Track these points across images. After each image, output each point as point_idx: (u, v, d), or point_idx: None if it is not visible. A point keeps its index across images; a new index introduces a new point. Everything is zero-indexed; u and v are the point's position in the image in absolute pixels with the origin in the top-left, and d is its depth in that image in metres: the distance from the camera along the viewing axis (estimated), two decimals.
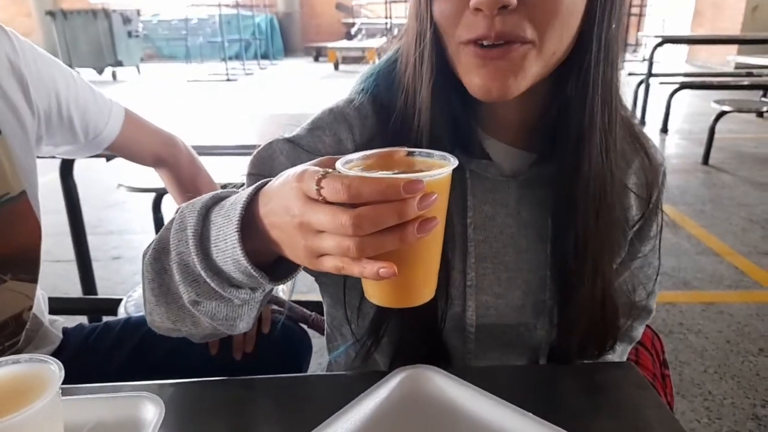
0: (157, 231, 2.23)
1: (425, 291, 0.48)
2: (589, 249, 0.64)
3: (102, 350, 1.00)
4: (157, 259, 0.57)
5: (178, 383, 0.65)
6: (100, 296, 2.27)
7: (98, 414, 0.57)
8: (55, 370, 0.47)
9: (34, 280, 0.90)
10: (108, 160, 2.03)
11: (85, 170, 2.25)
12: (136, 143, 1.06)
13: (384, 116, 0.65)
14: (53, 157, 1.07)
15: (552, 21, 0.54)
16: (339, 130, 0.67)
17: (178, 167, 1.12)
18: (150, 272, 0.58)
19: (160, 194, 2.46)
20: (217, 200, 0.55)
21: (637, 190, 0.71)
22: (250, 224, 0.49)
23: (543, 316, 0.70)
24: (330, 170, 0.44)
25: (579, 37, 0.57)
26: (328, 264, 0.44)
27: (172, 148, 1.11)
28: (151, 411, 0.57)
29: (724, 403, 1.82)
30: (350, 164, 0.47)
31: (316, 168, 0.44)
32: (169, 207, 2.56)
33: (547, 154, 0.65)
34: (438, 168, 0.45)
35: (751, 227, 3.23)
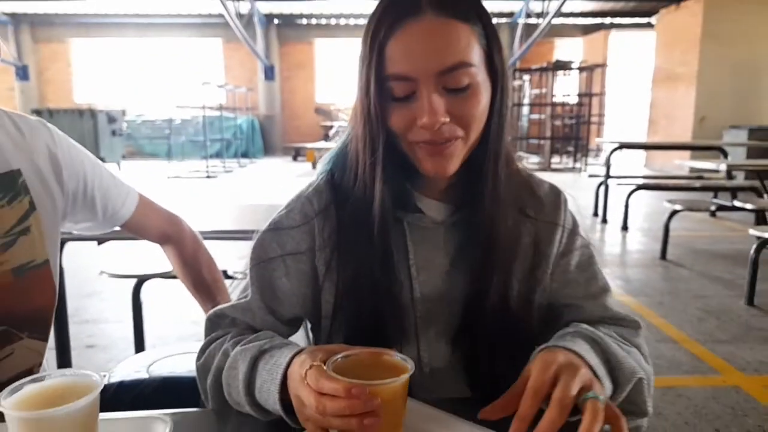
0: (135, 317, 2.32)
1: None
2: (499, 268, 0.83)
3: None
4: (215, 382, 0.80)
5: (185, 411, 0.76)
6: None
7: (117, 430, 0.68)
8: (97, 379, 0.58)
9: (45, 339, 1.00)
10: (99, 243, 2.15)
11: (71, 256, 2.34)
12: (146, 222, 1.19)
13: (336, 190, 0.86)
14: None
15: (472, 124, 0.77)
16: (304, 208, 0.87)
17: (182, 243, 1.24)
18: (209, 388, 0.81)
19: (141, 280, 2.55)
20: (263, 351, 0.76)
21: (542, 216, 0.89)
22: (285, 381, 0.69)
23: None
24: (317, 364, 0.64)
25: (486, 125, 0.80)
26: (308, 427, 0.65)
27: (177, 226, 1.24)
28: (161, 428, 0.68)
29: None
30: (336, 361, 0.66)
31: (309, 360, 0.65)
32: (149, 293, 2.64)
33: (462, 204, 0.86)
34: (401, 372, 0.62)
35: (707, 317, 3.41)
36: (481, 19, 0.76)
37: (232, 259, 2.23)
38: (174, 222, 1.24)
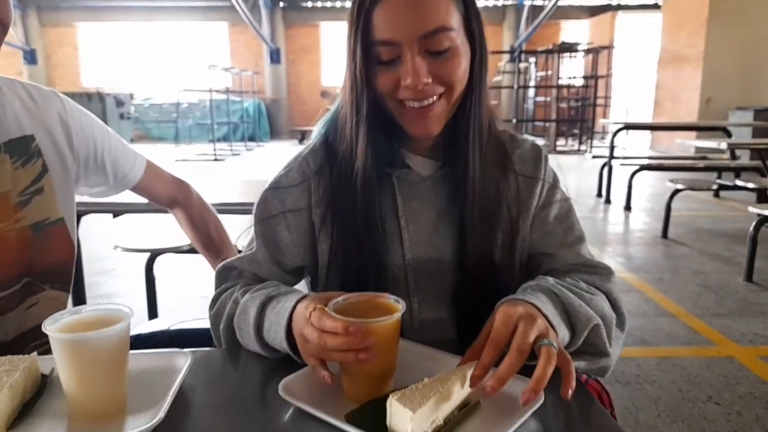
0: (149, 291, 2.41)
1: (384, 389, 0.71)
2: (484, 220, 0.91)
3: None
4: (227, 328, 0.89)
5: (202, 350, 0.85)
6: None
7: (144, 364, 0.77)
8: (128, 310, 0.67)
9: (67, 290, 1.09)
10: (114, 216, 2.24)
11: (85, 231, 2.43)
12: (155, 186, 1.28)
13: (330, 151, 0.95)
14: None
15: (454, 83, 0.85)
16: (301, 167, 0.96)
17: (190, 206, 1.33)
18: (222, 334, 0.90)
19: (154, 254, 2.64)
20: (271, 298, 0.84)
21: (524, 171, 0.97)
22: (290, 323, 0.78)
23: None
24: (320, 306, 0.72)
25: (466, 86, 0.88)
26: (311, 362, 0.73)
27: (184, 191, 1.33)
28: (182, 361, 0.76)
29: None
30: (336, 303, 0.73)
31: (313, 304, 0.73)
32: (162, 268, 2.74)
33: (447, 160, 0.94)
34: (394, 311, 0.71)
35: (706, 293, 3.48)
36: None
37: (238, 232, 2.30)
38: (182, 187, 1.33)
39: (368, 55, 0.83)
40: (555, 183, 0.99)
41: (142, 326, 1.79)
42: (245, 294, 0.88)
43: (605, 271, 0.93)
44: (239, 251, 1.06)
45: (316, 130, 1.01)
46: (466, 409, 0.67)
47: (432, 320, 0.96)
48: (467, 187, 0.91)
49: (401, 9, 0.80)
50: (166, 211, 1.38)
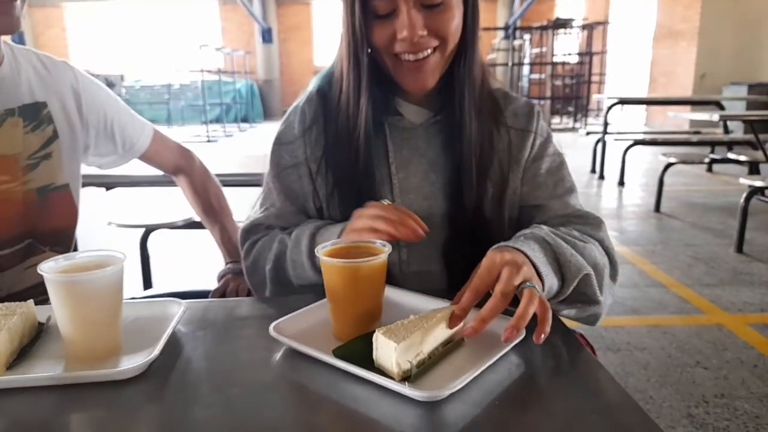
0: (144, 267, 2.42)
1: (371, 328, 0.70)
2: (474, 172, 0.94)
3: None
4: (274, 268, 0.95)
5: (195, 300, 0.87)
6: None
7: (139, 311, 0.79)
8: (121, 256, 0.68)
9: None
10: (108, 189, 2.25)
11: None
12: (161, 154, 1.31)
13: (325, 101, 0.99)
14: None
15: (448, 36, 0.88)
16: (301, 119, 1.00)
17: (192, 174, 1.35)
18: (268, 274, 0.96)
19: (148, 230, 2.65)
20: (319, 228, 0.92)
21: (516, 125, 0.99)
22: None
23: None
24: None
25: (459, 41, 0.90)
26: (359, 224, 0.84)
27: (188, 159, 1.36)
28: (176, 309, 0.78)
29: (663, 406, 2.03)
30: (324, 248, 0.76)
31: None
32: (156, 245, 2.75)
33: (440, 110, 0.97)
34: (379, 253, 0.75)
35: (696, 264, 3.53)
36: None
37: (244, 208, 2.30)
38: (186, 155, 1.35)
39: (365, 9, 0.86)
40: (548, 138, 1.01)
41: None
42: (290, 234, 0.94)
43: (596, 221, 0.95)
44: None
45: (312, 84, 1.03)
46: (450, 345, 0.70)
47: (421, 272, 0.98)
48: (460, 136, 0.93)
49: None
50: (159, 185, 1.41)
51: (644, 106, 11.65)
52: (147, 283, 2.73)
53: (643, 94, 12.46)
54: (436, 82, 0.92)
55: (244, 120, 13.88)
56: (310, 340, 0.70)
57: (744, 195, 3.69)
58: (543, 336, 0.66)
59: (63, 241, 1.10)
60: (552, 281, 0.78)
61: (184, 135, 11.24)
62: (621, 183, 5.94)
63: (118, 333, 0.69)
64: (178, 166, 1.34)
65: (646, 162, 7.34)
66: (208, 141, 10.75)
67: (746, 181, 3.71)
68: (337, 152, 0.96)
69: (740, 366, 2.30)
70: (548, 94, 12.79)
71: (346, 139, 0.93)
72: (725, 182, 6.14)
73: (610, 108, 6.34)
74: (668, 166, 4.80)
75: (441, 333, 0.68)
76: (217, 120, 12.72)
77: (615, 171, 6.19)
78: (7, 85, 1.00)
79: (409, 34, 0.84)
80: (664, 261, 3.58)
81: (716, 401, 2.05)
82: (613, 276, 0.91)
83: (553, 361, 0.71)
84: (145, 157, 1.28)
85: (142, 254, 2.73)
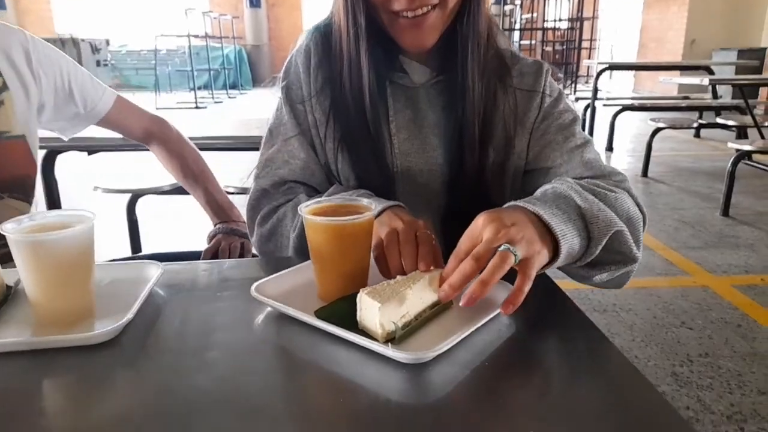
0: (131, 232, 2.37)
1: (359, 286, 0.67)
2: (476, 135, 0.90)
3: None
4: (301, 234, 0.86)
5: (177, 264, 0.85)
6: None
7: (114, 274, 0.76)
8: (90, 215, 0.66)
9: (28, 201, 1.10)
10: (90, 153, 2.19)
11: (63, 174, 2.38)
12: (128, 119, 1.27)
13: (328, 46, 0.93)
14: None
15: None
16: (303, 56, 0.95)
17: (167, 140, 1.31)
18: (294, 240, 0.89)
19: (135, 195, 2.61)
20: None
21: (522, 85, 0.94)
22: None
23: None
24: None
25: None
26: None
27: (161, 125, 1.32)
28: (153, 271, 0.76)
29: (648, 365, 2.06)
30: (309, 207, 0.73)
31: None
32: (144, 209, 2.71)
33: (443, 69, 0.92)
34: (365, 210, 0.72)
35: (683, 227, 3.54)
36: None
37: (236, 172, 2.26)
38: (158, 122, 1.32)
39: None
40: (558, 96, 0.95)
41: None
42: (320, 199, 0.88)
43: (619, 176, 0.86)
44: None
45: (302, 39, 0.98)
46: (438, 307, 0.68)
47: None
48: (463, 98, 0.89)
49: None
50: (142, 149, 1.37)
51: (633, 72, 11.57)
52: (136, 250, 2.69)
53: (633, 60, 12.36)
54: (437, 40, 0.86)
55: (233, 86, 13.63)
56: (292, 302, 0.68)
57: (731, 159, 3.69)
58: (511, 307, 0.60)
59: (22, 188, 1.09)
60: (572, 242, 0.68)
61: (172, 101, 11.04)
62: (609, 148, 5.92)
63: (89, 296, 0.67)
64: (149, 132, 1.30)
65: (634, 127, 7.32)
66: (197, 107, 10.56)
67: (734, 145, 3.72)
68: (342, 109, 0.92)
69: (724, 326, 2.33)
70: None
71: (351, 98, 0.89)
72: (713, 147, 6.15)
73: (599, 74, 6.28)
74: (656, 131, 4.78)
75: (429, 295, 0.66)
76: (206, 86, 12.48)
77: (603, 137, 6.17)
78: None
79: None
80: (651, 224, 3.59)
81: (700, 360, 2.08)
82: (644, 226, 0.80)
83: (544, 321, 0.69)
84: (110, 121, 1.24)
85: (129, 220, 2.69)
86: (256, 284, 0.71)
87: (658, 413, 0.51)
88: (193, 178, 1.31)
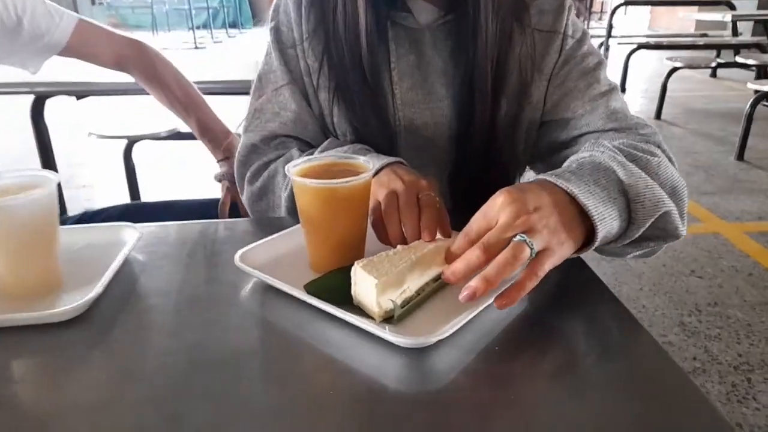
0: (129, 178, 2.29)
1: (353, 259, 0.59)
2: (487, 83, 0.79)
3: None
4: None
5: (156, 225, 0.78)
6: None
7: (87, 238, 0.70)
8: (52, 177, 0.59)
9: None
10: (78, 98, 2.10)
11: (55, 119, 2.30)
12: (95, 45, 1.16)
13: None
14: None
15: None
16: (289, 2, 0.86)
17: (145, 66, 1.21)
18: (285, 200, 0.82)
19: (132, 141, 2.53)
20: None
21: (541, 25, 0.83)
22: None
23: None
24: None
25: None
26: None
27: (135, 48, 1.20)
28: (129, 235, 0.69)
29: (656, 314, 2.02)
30: (298, 166, 0.65)
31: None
32: (140, 153, 2.63)
33: (452, 6, 0.81)
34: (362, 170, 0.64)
35: (696, 171, 3.45)
36: None
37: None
38: (133, 45, 1.21)
39: None
40: (582, 37, 0.84)
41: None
42: (313, 154, 0.79)
43: (647, 129, 0.77)
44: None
45: None
46: (442, 280, 0.61)
47: None
48: (475, 40, 0.77)
49: None
50: (134, 93, 1.27)
51: (649, 8, 11.08)
52: (134, 198, 2.64)
53: None
54: None
55: (233, 25, 13.22)
56: (281, 272, 0.61)
57: (750, 100, 3.54)
58: (506, 302, 0.53)
59: None
60: (611, 226, 0.58)
61: (170, 42, 10.74)
62: (622, 89, 5.73)
63: (54, 267, 0.61)
64: (121, 57, 1.19)
65: (649, 67, 7.06)
66: (196, 48, 10.27)
67: (754, 86, 3.56)
68: (336, 54, 0.81)
69: (735, 275, 2.28)
70: None
71: (345, 40, 0.79)
72: (729, 87, 5.94)
73: (615, 9, 6.00)
74: (672, 71, 4.59)
75: (433, 267, 0.60)
76: (204, 25, 12.11)
77: (616, 77, 5.95)
78: None
79: None
80: None
81: (709, 310, 2.04)
82: None
83: (562, 296, 0.62)
84: (74, 50, 1.13)
85: (126, 167, 2.62)
86: (240, 252, 0.64)
87: (699, 411, 0.45)
88: (182, 105, 1.22)
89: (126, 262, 0.66)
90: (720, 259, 2.41)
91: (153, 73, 1.21)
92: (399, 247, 0.60)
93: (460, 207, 0.86)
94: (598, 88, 0.81)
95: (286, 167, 0.65)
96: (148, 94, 1.29)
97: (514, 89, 0.82)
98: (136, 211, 1.23)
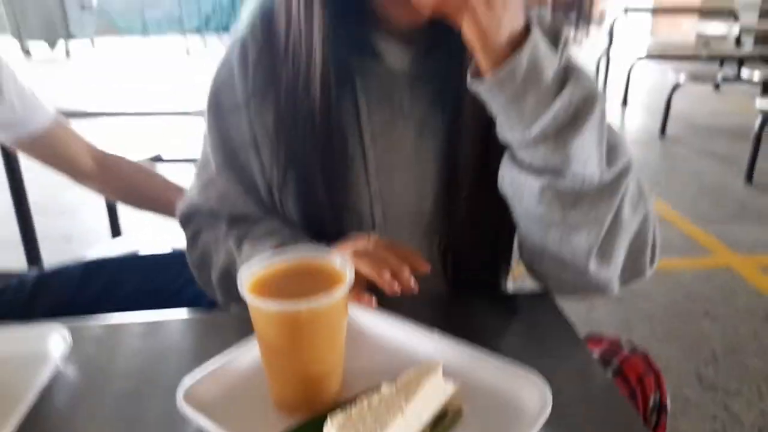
0: (109, 210, 2.13)
1: (325, 394, 0.51)
2: (478, 139, 0.66)
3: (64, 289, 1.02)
4: (223, 278, 0.75)
5: (84, 325, 0.63)
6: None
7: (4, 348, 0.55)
8: None
9: None
10: None
11: None
12: (70, 142, 1.09)
13: (273, 34, 0.68)
14: None
15: None
16: (238, 49, 0.70)
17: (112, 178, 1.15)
18: (216, 284, 0.76)
19: None
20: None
21: None
22: None
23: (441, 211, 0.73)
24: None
25: None
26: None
27: (107, 160, 1.14)
28: (56, 344, 0.55)
29: (670, 366, 1.88)
30: (256, 269, 0.51)
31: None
32: None
33: (431, 44, 0.68)
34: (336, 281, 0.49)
35: (703, 196, 3.31)
36: None
37: None
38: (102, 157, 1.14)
39: None
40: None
41: (98, 248, 1.61)
42: (241, 244, 0.69)
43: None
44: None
45: (248, 10, 0.72)
46: (443, 423, 0.47)
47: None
48: (459, 80, 0.62)
49: None
50: (114, 115, 1.20)
51: (649, 14, 11.00)
52: (114, 229, 2.49)
53: (649, 2, 11.76)
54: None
55: (226, 29, 13.10)
56: (237, 414, 0.47)
57: (758, 120, 3.41)
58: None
59: None
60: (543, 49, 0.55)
61: (161, 47, 10.61)
62: (624, 102, 5.60)
63: None
64: (92, 165, 1.13)
65: (650, 78, 6.94)
66: (187, 53, 10.16)
67: (762, 106, 3.42)
68: (290, 116, 0.67)
69: (750, 317, 2.14)
70: (548, 1, 12.04)
71: (301, 99, 0.65)
72: (733, 102, 5.81)
73: (615, 19, 5.87)
74: (677, 86, 4.45)
75: (427, 409, 0.46)
76: (198, 30, 11.99)
77: (618, 88, 5.83)
78: None
79: None
80: (669, 193, 3.36)
81: (726, 358, 1.90)
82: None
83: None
84: (47, 140, 1.06)
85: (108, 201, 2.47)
86: (184, 388, 0.49)
87: None
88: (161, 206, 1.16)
89: (48, 384, 0.51)
90: (734, 297, 2.27)
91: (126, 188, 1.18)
92: (384, 386, 0.46)
93: (455, 280, 0.74)
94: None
95: (238, 273, 0.50)
96: (127, 114, 1.24)
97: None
98: (97, 270, 1.10)
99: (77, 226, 3.10)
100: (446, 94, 0.68)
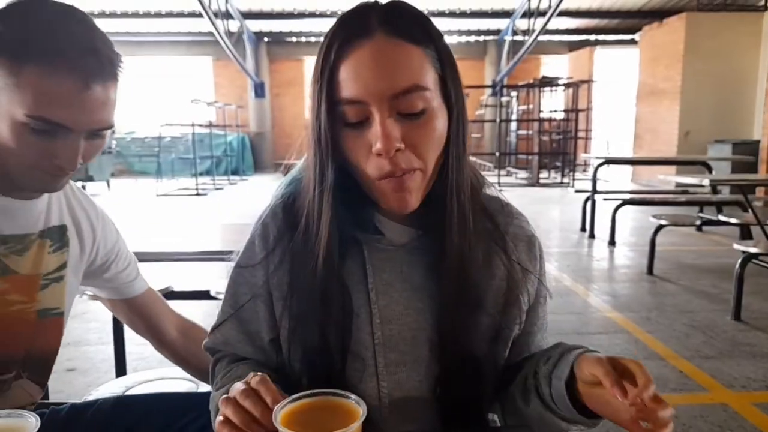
0: (116, 339, 2.23)
1: None
2: (468, 301, 0.82)
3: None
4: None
5: None
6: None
7: None
8: (32, 420, 0.56)
9: (43, 384, 1.02)
10: None
11: None
12: (160, 309, 1.22)
13: (291, 213, 0.85)
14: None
15: (429, 152, 0.75)
16: (263, 237, 0.86)
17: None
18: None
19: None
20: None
21: (517, 256, 0.87)
22: None
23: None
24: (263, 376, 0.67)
25: (443, 154, 0.78)
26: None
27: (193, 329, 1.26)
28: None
29: None
30: (285, 408, 0.62)
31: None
32: None
33: (426, 227, 0.84)
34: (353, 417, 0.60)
35: (694, 333, 3.41)
36: (434, 42, 0.74)
37: (216, 279, 2.19)
38: (189, 329, 1.26)
39: (334, 115, 0.73)
40: (542, 278, 0.90)
41: (105, 387, 1.66)
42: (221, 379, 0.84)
43: None
44: None
45: (278, 192, 0.90)
46: None
47: (405, 408, 0.84)
48: (448, 263, 0.80)
49: (369, 64, 0.71)
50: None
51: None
52: (120, 365, 2.53)
53: (629, 149, 12.63)
54: (420, 200, 0.79)
55: (235, 172, 13.85)
56: None
57: (739, 261, 3.61)
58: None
59: (42, 368, 1.02)
60: None
61: (174, 188, 11.14)
62: (611, 243, 5.87)
63: None
64: (180, 330, 1.25)
65: (633, 220, 7.31)
66: (197, 194, 10.65)
67: (740, 247, 3.65)
68: (302, 277, 0.82)
69: None
70: (536, 149, 12.94)
71: (313, 265, 0.80)
72: (716, 242, 6.10)
73: (597, 168, 6.35)
74: (659, 228, 4.73)
75: None
76: (208, 172, 12.66)
77: (604, 229, 6.13)
78: (45, 207, 0.99)
79: (384, 146, 0.70)
80: (661, 329, 3.46)
81: None
82: None
83: None
84: (141, 302, 1.19)
85: (115, 327, 2.55)
86: None
87: None
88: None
89: None
90: None
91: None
92: None
93: (447, 421, 0.84)
94: (545, 320, 0.92)
95: (273, 412, 0.61)
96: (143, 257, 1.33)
97: (496, 309, 0.84)
98: (124, 406, 1.14)
99: (80, 357, 3.14)
100: (437, 265, 0.82)
